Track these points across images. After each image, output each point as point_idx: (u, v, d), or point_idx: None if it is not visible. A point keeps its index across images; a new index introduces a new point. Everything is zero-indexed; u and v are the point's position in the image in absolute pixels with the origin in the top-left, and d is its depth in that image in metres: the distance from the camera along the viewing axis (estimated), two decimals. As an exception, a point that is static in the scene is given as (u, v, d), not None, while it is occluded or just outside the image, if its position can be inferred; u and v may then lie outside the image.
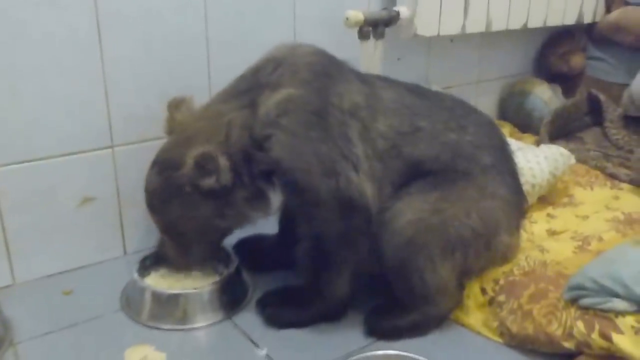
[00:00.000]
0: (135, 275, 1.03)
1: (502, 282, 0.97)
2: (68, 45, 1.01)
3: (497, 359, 0.91)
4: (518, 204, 0.99)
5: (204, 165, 0.88)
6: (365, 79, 0.98)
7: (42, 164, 1.04)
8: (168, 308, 0.99)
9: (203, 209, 0.93)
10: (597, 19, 1.60)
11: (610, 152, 1.42)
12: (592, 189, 1.32)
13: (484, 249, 0.95)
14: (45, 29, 0.98)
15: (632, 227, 1.14)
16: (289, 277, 1.07)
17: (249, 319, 1.00)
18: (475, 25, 1.32)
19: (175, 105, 0.99)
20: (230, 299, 1.02)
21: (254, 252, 1.13)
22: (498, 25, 1.36)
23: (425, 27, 1.24)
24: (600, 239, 1.08)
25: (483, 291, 0.98)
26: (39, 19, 0.97)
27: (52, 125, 1.04)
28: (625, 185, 1.34)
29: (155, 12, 1.07)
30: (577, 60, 1.62)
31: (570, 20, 1.52)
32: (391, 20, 1.23)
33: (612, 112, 1.56)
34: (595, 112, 1.58)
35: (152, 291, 1.00)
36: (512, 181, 0.99)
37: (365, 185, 0.91)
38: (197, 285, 1.02)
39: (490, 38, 1.47)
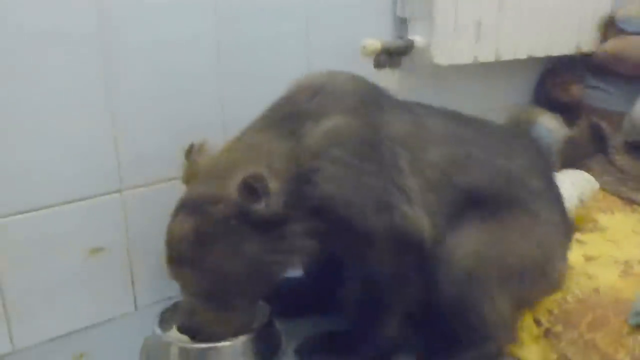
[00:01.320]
0: (158, 330, 0.92)
1: (556, 311, 0.91)
2: (71, 78, 0.93)
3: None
4: (567, 230, 0.95)
5: (252, 186, 0.76)
6: (407, 106, 0.93)
7: (42, 215, 0.94)
8: (198, 365, 0.88)
9: (252, 245, 0.79)
10: (594, 48, 1.63)
11: (622, 177, 1.42)
12: (613, 213, 1.30)
13: (540, 277, 0.89)
14: (45, 60, 0.90)
15: (667, 249, 1.11)
16: (320, 323, 0.98)
17: (291, 369, 0.91)
18: (487, 55, 1.32)
19: (197, 150, 0.90)
20: (265, 350, 0.92)
21: (280, 298, 1.02)
22: (507, 55, 1.36)
23: (442, 56, 1.23)
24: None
25: (537, 322, 0.92)
26: (39, 49, 0.89)
27: (53, 169, 0.94)
28: (646, 209, 1.33)
29: (166, 43, 1.01)
30: (576, 90, 1.63)
31: (569, 50, 1.54)
32: (407, 49, 1.21)
33: (615, 140, 1.57)
34: (597, 141, 1.59)
35: (179, 346, 0.89)
36: (560, 206, 0.95)
37: (421, 219, 0.84)
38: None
39: (490, 68, 1.47)
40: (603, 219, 1.28)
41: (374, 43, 1.17)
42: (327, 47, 1.21)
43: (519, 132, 1.02)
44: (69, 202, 0.96)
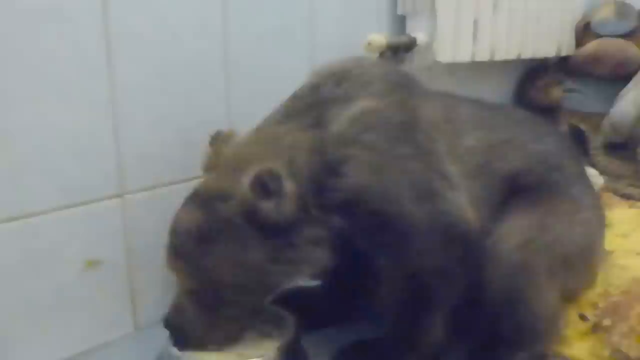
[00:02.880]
0: (172, 348, 0.80)
1: (602, 305, 0.87)
2: (72, 68, 0.81)
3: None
4: (603, 217, 0.93)
5: (265, 183, 0.70)
6: (434, 93, 0.88)
7: (37, 222, 0.81)
8: (221, 387, 0.78)
9: (254, 251, 0.73)
10: (571, 52, 1.68)
11: (615, 173, 1.44)
12: (613, 209, 1.30)
13: (584, 267, 0.86)
14: (45, 48, 0.78)
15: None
16: (346, 333, 0.90)
17: (324, 386, 0.81)
18: (483, 54, 1.32)
19: (224, 139, 0.83)
20: (294, 365, 0.83)
21: (298, 309, 0.92)
22: (500, 55, 1.36)
23: (444, 53, 1.21)
24: (662, 253, 1.04)
25: (583, 317, 0.88)
26: (38, 36, 0.78)
27: (49, 170, 0.81)
28: (642, 203, 1.35)
29: (172, 34, 0.92)
30: (555, 93, 1.67)
31: (552, 52, 1.57)
32: (410, 46, 1.17)
33: (595, 141, 1.61)
34: (578, 143, 1.62)
35: (197, 368, 0.78)
36: (594, 191, 0.92)
37: (466, 207, 0.79)
38: (252, 354, 0.81)
39: (476, 70, 1.48)
40: (607, 215, 1.29)
41: (380, 39, 1.13)
42: (332, 42, 1.16)
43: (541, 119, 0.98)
44: (65, 208, 0.84)
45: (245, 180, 0.71)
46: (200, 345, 0.79)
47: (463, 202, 0.79)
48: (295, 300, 0.94)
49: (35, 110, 0.79)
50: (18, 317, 0.81)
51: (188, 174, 0.95)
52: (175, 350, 0.80)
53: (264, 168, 0.71)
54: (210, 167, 0.82)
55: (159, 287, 0.95)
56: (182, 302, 0.78)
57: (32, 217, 0.80)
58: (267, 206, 0.71)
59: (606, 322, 0.86)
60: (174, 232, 0.76)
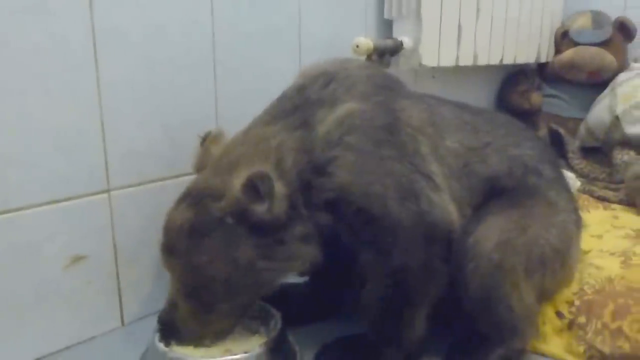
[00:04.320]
0: (159, 344, 0.81)
1: (577, 302, 0.90)
2: (57, 63, 0.81)
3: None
4: (579, 219, 0.96)
5: (257, 186, 0.72)
6: (418, 95, 0.90)
7: (20, 216, 0.81)
8: (208, 382, 0.78)
9: (246, 249, 0.74)
10: (549, 58, 1.72)
11: (592, 176, 1.48)
12: (589, 211, 1.35)
13: (560, 267, 0.88)
14: (29, 42, 0.78)
15: (651, 241, 1.15)
16: (331, 329, 0.91)
17: (311, 381, 0.82)
18: (466, 59, 1.34)
19: (213, 139, 0.84)
20: (282, 361, 0.84)
21: (283, 305, 0.93)
22: (482, 60, 1.39)
23: (429, 57, 1.23)
24: (635, 253, 1.07)
25: (559, 315, 0.91)
26: (22, 30, 0.77)
27: (33, 165, 0.81)
28: (616, 206, 1.38)
29: (159, 30, 0.92)
30: (535, 98, 1.71)
31: (531, 59, 1.61)
32: (396, 49, 1.20)
33: (572, 145, 1.65)
34: (557, 146, 1.66)
35: (185, 362, 0.79)
36: (571, 195, 0.95)
37: (448, 206, 0.81)
38: (239, 350, 0.82)
39: (460, 74, 1.51)
40: (583, 217, 1.32)
41: (367, 42, 1.15)
42: (318, 44, 1.17)
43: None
44: (47, 203, 0.83)
45: (237, 182, 0.73)
46: (193, 341, 0.81)
47: (446, 203, 0.81)
48: (281, 297, 0.95)
49: (19, 104, 0.79)
50: (0, 312, 0.80)
51: (175, 170, 0.96)
52: (161, 346, 0.81)
53: (256, 171, 0.72)
54: (200, 166, 0.83)
55: (146, 283, 0.95)
56: (175, 300, 0.79)
57: (16, 211, 0.80)
58: (258, 209, 0.72)
59: (581, 319, 0.89)
60: (167, 231, 0.77)
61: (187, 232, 0.75)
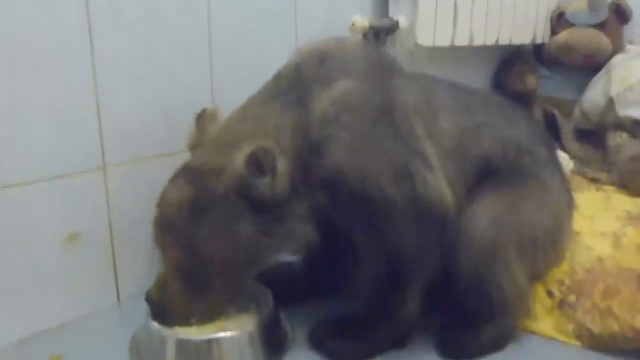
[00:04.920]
0: (152, 322, 0.81)
1: (568, 282, 0.92)
2: (52, 41, 0.81)
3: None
4: (571, 200, 0.97)
5: (260, 161, 0.72)
6: (413, 75, 0.90)
7: (15, 193, 0.81)
8: (198, 359, 0.79)
9: (246, 225, 0.75)
10: (545, 40, 1.72)
11: (585, 158, 1.49)
12: (581, 192, 1.35)
13: (551, 248, 0.89)
14: (23, 20, 0.77)
15: (642, 222, 1.17)
16: (324, 308, 0.92)
17: (304, 359, 0.83)
18: (462, 39, 1.34)
19: (209, 116, 0.83)
20: (273, 340, 0.85)
21: (277, 284, 0.94)
22: (478, 40, 1.39)
23: (425, 37, 1.22)
24: (625, 234, 1.08)
25: (549, 294, 0.92)
26: (15, 7, 0.76)
27: (29, 143, 0.81)
28: (608, 187, 1.39)
29: (155, 9, 0.91)
30: (531, 80, 1.71)
31: (527, 40, 1.61)
32: (392, 29, 1.19)
33: (567, 127, 1.66)
34: (551, 128, 1.67)
35: (176, 339, 0.79)
36: (563, 176, 0.96)
37: (443, 187, 0.81)
38: (231, 328, 0.82)
39: (456, 54, 1.50)
40: (575, 198, 1.34)
41: (363, 21, 1.15)
42: (314, 23, 1.17)
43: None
44: (42, 180, 0.83)
45: (240, 157, 0.73)
46: (182, 319, 0.80)
47: (440, 183, 0.82)
48: (273, 275, 0.96)
49: (14, 82, 0.78)
50: (-4, 289, 0.81)
51: (170, 149, 0.96)
52: (154, 324, 0.82)
53: (259, 146, 0.72)
54: (195, 144, 0.83)
55: (141, 261, 0.96)
56: (165, 278, 0.78)
57: (11, 189, 0.80)
58: (261, 183, 0.73)
59: (571, 298, 0.90)
60: (164, 207, 0.77)
61: (187, 208, 0.75)
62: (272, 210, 0.76)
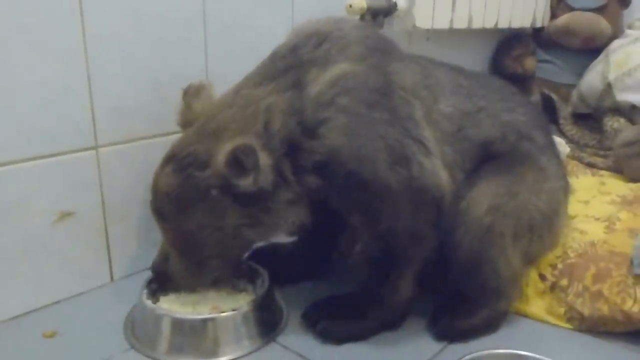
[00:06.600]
0: (147, 301, 0.82)
1: (560, 266, 0.92)
2: (41, 15, 0.79)
3: (577, 345, 0.85)
4: (567, 185, 0.96)
5: (241, 160, 0.72)
6: (413, 57, 0.89)
7: (6, 171, 0.80)
8: (193, 338, 0.79)
9: (231, 217, 0.76)
10: (545, 23, 1.70)
11: (582, 143, 1.49)
12: (577, 176, 1.36)
13: (547, 233, 0.89)
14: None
15: (636, 206, 1.16)
16: (319, 289, 0.93)
17: (298, 339, 0.83)
18: (461, 21, 1.32)
19: (195, 92, 0.82)
20: (267, 319, 0.85)
21: (272, 264, 0.94)
22: (477, 23, 1.37)
23: (423, 19, 1.21)
24: (619, 219, 1.08)
25: (542, 277, 0.93)
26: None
27: (19, 120, 0.80)
28: (604, 172, 1.39)
29: (148, -16, 0.90)
30: (530, 63, 1.70)
31: (527, 23, 1.59)
32: (390, 10, 1.18)
33: (564, 110, 1.65)
34: (549, 111, 1.66)
35: (171, 318, 0.80)
36: (560, 161, 0.95)
37: (439, 172, 0.81)
38: (226, 308, 0.83)
39: (454, 37, 1.49)
40: (571, 182, 1.34)
41: (361, 2, 1.13)
42: (311, 2, 1.14)
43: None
44: (37, 159, 0.83)
45: (222, 154, 0.72)
46: (186, 289, 0.86)
47: (437, 168, 0.81)
48: (269, 256, 0.97)
49: (3, 59, 0.77)
50: (-12, 267, 0.81)
51: (164, 127, 0.95)
52: (150, 302, 0.83)
53: (240, 144, 0.72)
54: (185, 122, 0.82)
55: (135, 240, 0.96)
56: (168, 252, 0.81)
57: (2, 166, 0.79)
58: (243, 182, 0.73)
59: (563, 282, 0.91)
60: (155, 194, 0.79)
61: (174, 200, 0.76)
62: (258, 202, 0.76)
